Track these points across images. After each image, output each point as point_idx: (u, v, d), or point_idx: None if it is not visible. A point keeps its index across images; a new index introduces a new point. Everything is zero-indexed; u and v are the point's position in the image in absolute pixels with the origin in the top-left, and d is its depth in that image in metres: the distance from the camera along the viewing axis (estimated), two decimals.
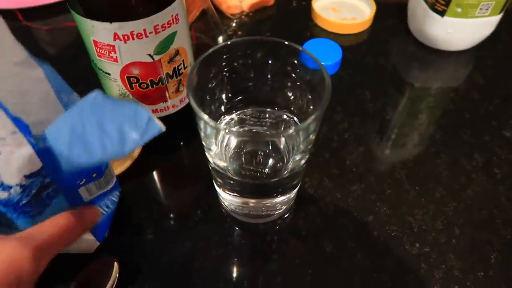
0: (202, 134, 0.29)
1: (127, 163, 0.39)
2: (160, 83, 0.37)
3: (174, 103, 0.40)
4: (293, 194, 0.36)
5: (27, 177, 0.26)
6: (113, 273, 0.32)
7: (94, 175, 0.30)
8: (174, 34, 0.34)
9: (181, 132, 0.44)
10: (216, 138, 0.31)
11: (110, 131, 0.24)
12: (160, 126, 0.25)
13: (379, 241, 0.36)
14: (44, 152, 0.26)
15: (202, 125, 0.28)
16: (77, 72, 0.50)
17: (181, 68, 0.38)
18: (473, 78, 0.50)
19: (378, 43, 0.55)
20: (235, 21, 0.57)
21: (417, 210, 0.38)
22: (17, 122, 0.25)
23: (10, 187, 0.26)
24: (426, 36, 0.52)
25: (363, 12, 0.58)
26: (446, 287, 0.33)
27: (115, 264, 0.32)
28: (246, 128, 0.35)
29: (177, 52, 0.36)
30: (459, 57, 0.53)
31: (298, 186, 0.36)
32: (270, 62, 0.31)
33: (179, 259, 0.35)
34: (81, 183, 0.30)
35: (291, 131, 0.30)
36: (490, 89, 0.49)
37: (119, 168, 0.37)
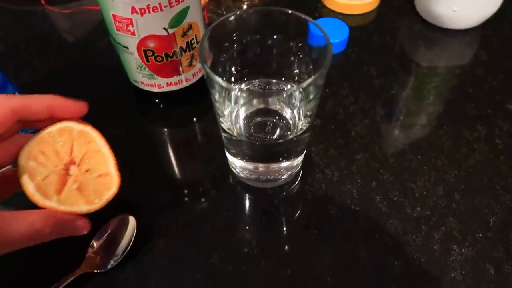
0: (215, 100, 0.31)
1: (111, 193, 0.31)
2: (174, 57, 0.39)
3: (187, 76, 0.42)
4: (299, 159, 0.38)
5: None
6: (131, 230, 0.34)
7: None
8: (187, 8, 0.37)
9: (193, 106, 0.46)
10: (228, 101, 0.33)
11: None
12: None
13: (382, 205, 0.38)
14: None
15: (216, 88, 0.29)
16: (96, 53, 0.52)
17: (194, 43, 0.40)
18: (478, 56, 0.51)
19: (385, 22, 0.56)
20: (246, 3, 0.59)
21: (419, 177, 0.39)
22: None
23: None
24: (432, 15, 0.53)
25: None
26: (445, 247, 0.35)
27: (133, 221, 0.35)
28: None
29: (190, 27, 0.38)
30: (464, 36, 0.54)
31: (304, 153, 0.38)
32: (276, 33, 0.33)
33: (193, 220, 0.37)
34: None
35: (292, 87, 0.32)
36: (495, 66, 0.50)
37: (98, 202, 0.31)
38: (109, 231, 0.35)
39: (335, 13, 0.57)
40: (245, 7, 0.59)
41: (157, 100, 0.45)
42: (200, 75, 0.44)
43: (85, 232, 0.30)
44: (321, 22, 0.52)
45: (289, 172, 0.38)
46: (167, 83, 0.42)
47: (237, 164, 0.38)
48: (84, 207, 0.30)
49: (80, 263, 0.33)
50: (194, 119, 0.46)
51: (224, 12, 0.51)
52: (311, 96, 0.31)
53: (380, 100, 0.46)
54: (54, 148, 0.30)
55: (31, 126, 0.30)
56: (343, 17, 0.56)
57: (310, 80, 0.28)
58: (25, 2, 0.58)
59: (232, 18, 0.31)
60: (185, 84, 0.43)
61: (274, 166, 0.37)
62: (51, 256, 0.34)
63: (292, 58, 0.33)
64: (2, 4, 0.57)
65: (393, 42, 0.53)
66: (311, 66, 0.32)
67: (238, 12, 0.30)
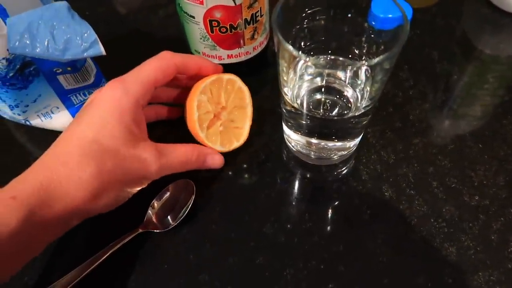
0: (282, 70, 0.31)
1: (237, 145, 0.39)
2: (238, 28, 0.40)
3: (248, 49, 0.43)
4: (353, 142, 0.38)
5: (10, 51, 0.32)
6: (190, 194, 0.36)
7: (69, 68, 0.37)
8: None
9: (250, 80, 0.46)
10: (294, 73, 0.33)
11: (58, 38, 0.31)
12: (101, 50, 0.33)
13: (438, 191, 0.37)
14: None
15: (285, 57, 0.30)
16: (155, 20, 0.54)
17: (258, 16, 0.40)
18: None
19: (449, 5, 0.54)
20: None
21: (479, 166, 0.38)
22: None
23: None
24: None
25: None
26: (503, 238, 0.34)
27: (192, 185, 0.36)
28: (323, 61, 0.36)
29: None
30: None
31: (360, 136, 0.38)
32: (349, 10, 0.33)
33: (248, 190, 0.38)
34: (58, 71, 0.36)
35: (361, 62, 0.31)
36: None
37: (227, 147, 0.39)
38: (169, 194, 0.36)
39: None
40: None
41: None
42: (260, 49, 0.44)
43: (219, 167, 0.38)
44: (383, 2, 0.51)
45: (342, 153, 0.38)
46: (228, 55, 0.42)
47: (293, 137, 0.38)
48: (219, 147, 0.38)
49: (140, 222, 0.35)
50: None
51: None
52: (378, 78, 0.30)
53: (440, 85, 0.45)
54: (219, 91, 0.38)
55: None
56: None
57: (380, 57, 0.27)
58: None
59: None
60: (244, 57, 0.43)
61: (327, 143, 0.37)
62: (114, 214, 0.36)
63: (362, 37, 0.33)
64: None
65: (457, 26, 0.51)
66: (382, 47, 0.31)
67: None
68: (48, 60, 0.34)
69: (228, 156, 0.40)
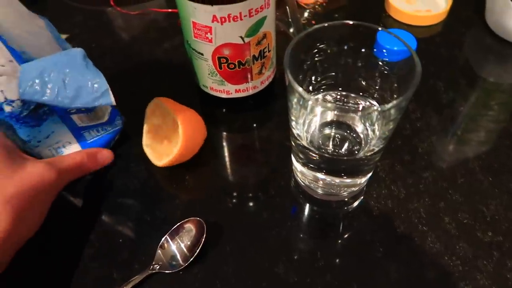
0: (292, 106, 0.31)
1: (178, 145, 0.39)
2: (246, 64, 0.40)
3: (255, 84, 0.43)
4: (363, 179, 0.37)
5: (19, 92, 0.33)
6: (200, 233, 0.35)
7: (83, 109, 0.38)
8: (264, 18, 0.37)
9: (256, 113, 0.46)
10: (304, 109, 0.33)
11: (70, 87, 0.32)
12: (112, 100, 0.33)
13: (451, 227, 0.37)
14: None
15: (295, 95, 0.30)
16: (160, 53, 0.54)
17: (266, 51, 0.40)
18: None
19: (453, 35, 0.54)
20: (308, 11, 0.59)
21: (490, 200, 0.38)
22: (13, 52, 0.31)
23: (13, 101, 0.34)
24: (505, 29, 0.51)
25: (438, 4, 0.57)
26: None
27: (203, 224, 0.35)
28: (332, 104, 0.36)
29: (264, 36, 0.39)
30: None
31: (370, 173, 0.38)
32: (361, 46, 0.33)
33: (258, 227, 0.37)
34: (72, 111, 0.37)
35: (373, 107, 0.31)
36: None
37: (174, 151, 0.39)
38: (179, 233, 0.36)
39: (400, 24, 0.56)
40: (306, 14, 0.59)
41: (220, 105, 0.46)
42: (267, 83, 0.44)
43: (111, 160, 0.39)
44: (385, 34, 0.51)
45: (352, 189, 0.38)
46: (235, 90, 0.42)
47: (301, 171, 0.38)
48: (175, 149, 0.38)
49: (149, 263, 0.35)
50: (255, 125, 0.46)
51: (290, 20, 0.51)
52: (392, 117, 0.30)
53: (447, 116, 0.45)
54: (148, 124, 0.41)
55: None
56: (409, 28, 0.55)
57: (393, 103, 0.27)
58: (96, 2, 0.60)
59: (318, 29, 0.31)
60: (251, 91, 0.43)
61: (336, 180, 0.37)
62: (122, 255, 0.36)
63: (375, 74, 0.33)
64: (75, 3, 0.60)
65: (461, 55, 0.52)
66: (395, 85, 0.31)
67: (326, 24, 0.31)
68: None
69: (238, 190, 0.40)
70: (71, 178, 0.36)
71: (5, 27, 0.31)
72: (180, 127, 0.38)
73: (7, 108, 0.34)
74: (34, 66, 0.31)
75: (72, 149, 0.40)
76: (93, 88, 0.32)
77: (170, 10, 0.59)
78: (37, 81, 0.31)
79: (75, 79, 0.32)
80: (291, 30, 0.54)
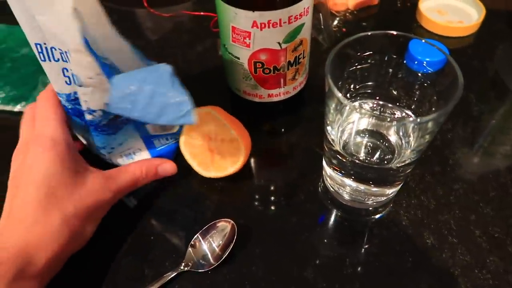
0: (329, 111, 0.32)
1: (238, 165, 0.40)
2: (281, 70, 0.40)
3: (288, 89, 0.43)
4: (392, 190, 0.37)
5: (107, 104, 0.34)
6: (231, 234, 0.36)
7: None
8: (302, 25, 0.37)
9: (288, 117, 0.47)
10: (340, 115, 0.34)
11: (155, 104, 0.32)
12: (194, 120, 0.33)
13: (482, 240, 0.36)
14: None
15: (333, 104, 0.30)
16: (192, 55, 0.55)
17: (301, 58, 0.41)
18: None
19: (484, 47, 0.54)
20: (338, 18, 0.59)
21: None
22: (104, 66, 0.32)
23: (95, 111, 0.35)
24: None
25: (470, 16, 0.57)
26: None
27: (234, 226, 0.36)
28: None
29: (300, 42, 0.39)
30: None
31: (400, 185, 0.38)
32: (399, 57, 0.33)
33: (287, 231, 0.38)
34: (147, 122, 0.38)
35: (415, 119, 0.31)
36: None
37: (229, 170, 0.40)
38: (210, 233, 0.36)
39: (431, 34, 0.56)
40: (336, 21, 0.59)
41: (251, 109, 0.47)
42: (299, 88, 0.45)
43: (173, 173, 0.39)
44: (419, 43, 0.51)
45: (378, 199, 0.38)
46: (268, 94, 0.43)
47: (331, 176, 0.38)
48: (231, 169, 0.39)
49: (180, 261, 0.35)
50: (284, 130, 0.47)
51: (323, 27, 0.51)
52: (428, 130, 0.30)
53: (479, 129, 0.45)
54: (196, 131, 0.39)
55: None
56: (439, 38, 0.55)
57: (431, 116, 0.27)
58: (129, 3, 0.62)
59: (361, 38, 0.32)
60: (283, 96, 0.44)
61: (361, 187, 0.37)
62: (154, 253, 0.37)
63: (414, 85, 0.33)
64: (109, 4, 0.61)
65: (492, 68, 0.52)
66: (434, 97, 0.32)
67: (369, 33, 0.31)
68: None
69: (267, 193, 0.40)
70: (126, 192, 0.38)
71: (97, 41, 0.32)
72: (243, 151, 0.39)
73: (88, 117, 0.35)
74: (124, 80, 0.32)
75: (141, 156, 0.41)
76: (178, 107, 0.32)
77: (202, 13, 0.59)
78: (126, 97, 0.32)
79: (162, 97, 0.32)
80: (321, 37, 0.55)
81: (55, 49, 0.33)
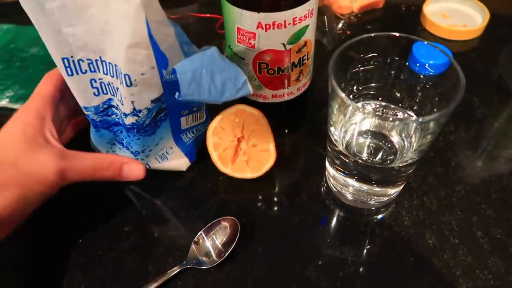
0: (333, 111, 0.32)
1: (268, 166, 0.40)
2: (285, 71, 0.41)
3: (292, 90, 0.44)
4: (395, 190, 0.38)
5: (153, 101, 0.35)
6: (234, 232, 0.36)
7: (194, 108, 0.40)
8: (306, 27, 0.38)
9: (291, 118, 0.47)
10: (343, 116, 0.34)
11: (217, 82, 0.34)
12: (250, 90, 0.35)
13: (483, 241, 0.37)
14: (167, 83, 0.34)
15: (336, 104, 0.30)
16: None
17: (305, 59, 0.41)
18: None
19: (489, 51, 0.54)
20: (342, 21, 0.60)
21: None
22: (161, 57, 0.33)
23: (140, 111, 0.35)
24: None
25: (474, 20, 0.57)
26: None
27: (237, 224, 0.36)
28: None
29: (305, 44, 0.40)
30: None
31: (402, 186, 0.38)
32: (401, 59, 0.33)
33: (290, 230, 0.38)
34: (184, 113, 0.39)
35: (416, 119, 0.32)
36: None
37: (259, 171, 0.40)
38: (213, 231, 0.37)
39: (435, 37, 0.56)
40: (341, 24, 0.60)
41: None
42: (303, 89, 0.45)
43: (138, 178, 0.37)
44: (423, 46, 0.52)
45: (380, 199, 0.38)
46: (272, 95, 0.43)
47: (334, 176, 0.38)
48: (249, 174, 0.40)
49: (183, 258, 0.36)
50: (288, 130, 0.47)
51: (327, 30, 0.52)
52: (430, 131, 0.31)
53: (482, 131, 0.45)
54: (231, 125, 0.40)
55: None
56: (444, 42, 0.55)
57: (433, 116, 0.28)
58: None
59: (364, 39, 0.32)
60: (287, 97, 0.44)
61: (364, 187, 0.37)
62: (157, 249, 0.37)
63: (416, 86, 0.33)
64: None
65: (496, 71, 0.52)
66: (436, 98, 0.32)
67: (372, 35, 0.31)
68: (179, 104, 0.36)
69: (270, 192, 0.41)
70: (79, 179, 0.35)
71: (155, 31, 0.31)
72: (270, 164, 0.40)
73: (131, 119, 0.35)
74: (185, 67, 0.33)
75: (174, 154, 0.41)
76: (234, 81, 0.34)
77: (208, 15, 0.60)
78: (193, 82, 0.33)
79: (220, 76, 0.34)
80: (325, 39, 0.55)
81: (83, 61, 0.33)
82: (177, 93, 0.34)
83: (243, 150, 0.40)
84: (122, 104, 0.35)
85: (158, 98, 0.35)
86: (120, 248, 0.37)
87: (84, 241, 0.38)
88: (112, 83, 0.35)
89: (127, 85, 0.33)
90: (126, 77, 0.32)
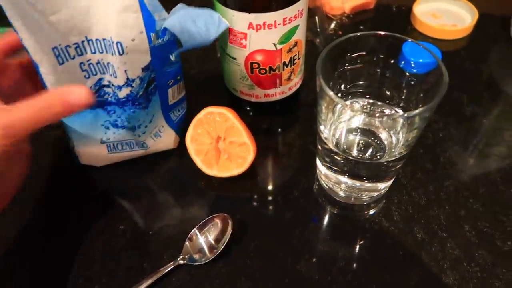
0: (321, 110, 0.33)
1: (251, 158, 0.41)
2: (277, 70, 0.42)
3: (283, 89, 0.45)
4: (385, 185, 0.39)
5: (143, 69, 0.36)
6: (227, 228, 0.37)
7: (178, 77, 0.41)
8: (296, 27, 0.39)
9: (281, 117, 0.48)
10: (331, 114, 0.35)
11: (200, 25, 0.36)
12: (227, 24, 0.38)
13: (471, 235, 0.37)
14: (155, 48, 0.36)
15: (324, 103, 0.31)
16: (192, 57, 0.56)
17: (296, 59, 0.42)
18: None
19: (478, 49, 0.55)
20: (334, 22, 0.61)
21: (511, 211, 0.39)
22: (149, 18, 0.34)
23: (133, 80, 0.36)
24: None
25: (464, 19, 0.58)
26: None
27: (230, 220, 0.37)
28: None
29: (295, 44, 0.41)
30: None
31: (392, 180, 0.39)
32: (387, 57, 0.34)
33: (282, 225, 0.39)
34: (170, 83, 0.40)
35: (398, 113, 0.33)
36: None
37: (243, 168, 0.41)
38: (207, 227, 0.37)
39: (425, 37, 0.57)
40: (333, 25, 0.61)
41: (248, 108, 0.48)
42: (295, 89, 0.46)
43: (89, 99, 0.30)
44: (412, 45, 0.53)
45: (372, 194, 0.39)
46: (264, 94, 0.44)
47: (325, 173, 0.39)
48: (235, 171, 0.40)
49: (177, 255, 0.36)
50: (280, 129, 0.48)
51: (318, 30, 0.52)
52: (415, 126, 0.32)
53: (471, 128, 0.46)
54: (205, 129, 0.41)
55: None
56: (434, 41, 0.56)
57: (417, 111, 0.29)
58: None
59: (351, 38, 0.33)
60: (279, 96, 0.45)
61: (356, 183, 0.38)
62: (152, 247, 0.38)
63: (401, 84, 0.34)
64: None
65: (485, 70, 0.53)
66: (421, 95, 0.33)
67: (358, 34, 0.32)
68: (165, 73, 0.39)
69: (263, 190, 0.42)
70: (30, 130, 0.30)
71: None
72: (251, 156, 0.40)
73: (125, 91, 0.37)
74: (174, 21, 0.35)
75: (166, 132, 0.43)
76: (211, 20, 0.37)
77: None
78: (184, 31, 0.35)
79: (199, 19, 0.36)
80: (318, 39, 0.56)
81: (69, 47, 0.34)
82: (172, 55, 0.37)
83: (222, 149, 0.41)
84: (116, 77, 0.36)
85: (147, 66, 0.36)
86: (116, 246, 0.38)
87: (81, 238, 0.39)
88: (101, 59, 0.36)
89: (119, 54, 0.34)
90: (118, 45, 0.34)
